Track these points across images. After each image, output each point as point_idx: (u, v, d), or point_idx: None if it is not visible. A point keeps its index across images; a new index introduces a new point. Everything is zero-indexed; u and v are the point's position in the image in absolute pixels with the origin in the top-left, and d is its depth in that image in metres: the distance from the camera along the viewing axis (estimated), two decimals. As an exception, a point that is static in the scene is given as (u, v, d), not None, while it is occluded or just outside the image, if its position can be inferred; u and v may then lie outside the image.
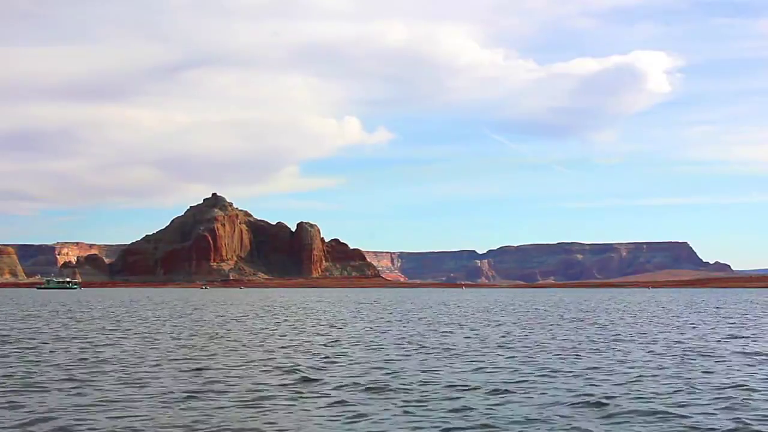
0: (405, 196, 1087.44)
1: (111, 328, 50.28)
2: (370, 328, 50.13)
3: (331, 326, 51.92)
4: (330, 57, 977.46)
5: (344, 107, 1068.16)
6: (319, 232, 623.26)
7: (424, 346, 35.10)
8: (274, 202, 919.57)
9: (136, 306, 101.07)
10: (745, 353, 32.06)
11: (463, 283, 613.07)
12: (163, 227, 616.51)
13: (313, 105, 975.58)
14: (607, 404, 19.10)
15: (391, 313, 74.75)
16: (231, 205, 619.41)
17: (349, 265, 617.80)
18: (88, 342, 38.08)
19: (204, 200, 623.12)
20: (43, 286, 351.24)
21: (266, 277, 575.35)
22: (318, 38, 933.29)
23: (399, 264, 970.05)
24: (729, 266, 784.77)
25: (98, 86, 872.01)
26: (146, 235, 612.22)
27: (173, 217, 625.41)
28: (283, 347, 34.91)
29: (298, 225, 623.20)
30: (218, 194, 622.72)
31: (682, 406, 19.18)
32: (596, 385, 22.40)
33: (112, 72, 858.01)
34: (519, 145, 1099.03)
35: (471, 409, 18.55)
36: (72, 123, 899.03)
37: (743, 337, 42.04)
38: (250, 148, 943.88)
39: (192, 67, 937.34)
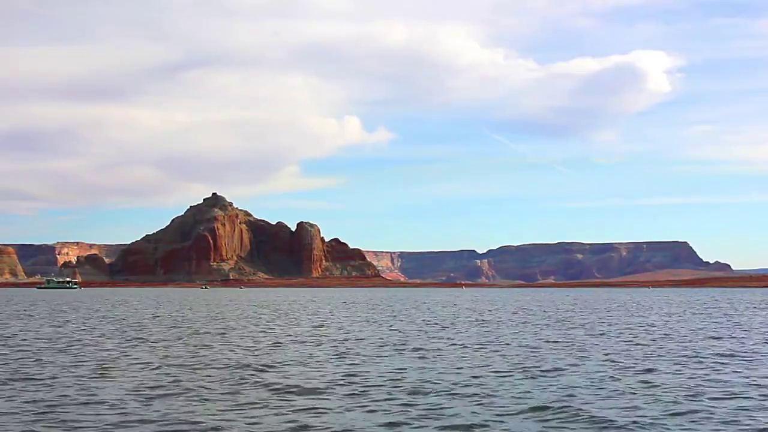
0: (405, 196, 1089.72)
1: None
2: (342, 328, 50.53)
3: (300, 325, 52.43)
4: (330, 57, 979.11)
5: (344, 107, 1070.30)
6: (319, 232, 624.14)
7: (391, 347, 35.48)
8: (274, 201, 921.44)
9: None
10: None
11: (463, 282, 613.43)
12: (163, 227, 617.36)
13: (313, 105, 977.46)
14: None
15: (379, 314, 75.08)
16: (231, 204, 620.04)
17: (349, 264, 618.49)
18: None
19: (204, 200, 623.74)
20: (43, 285, 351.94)
21: (266, 276, 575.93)
22: (318, 38, 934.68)
23: (399, 264, 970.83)
24: (729, 266, 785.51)
25: (98, 86, 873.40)
26: (146, 235, 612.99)
27: (173, 217, 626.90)
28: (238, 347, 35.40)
29: (298, 225, 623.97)
30: (218, 194, 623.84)
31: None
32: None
33: (113, 72, 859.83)
34: (519, 145, 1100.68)
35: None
36: (72, 123, 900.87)
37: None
38: (250, 148, 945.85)
39: (192, 67, 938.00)
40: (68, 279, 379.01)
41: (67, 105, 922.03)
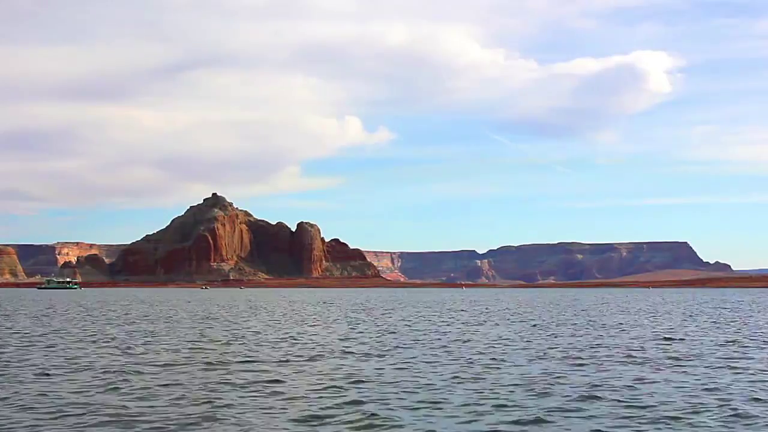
0: (405, 196, 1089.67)
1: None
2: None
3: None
4: (331, 57, 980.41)
5: (345, 107, 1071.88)
6: (319, 232, 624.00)
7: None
8: (274, 202, 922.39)
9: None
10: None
11: (463, 283, 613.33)
12: (163, 227, 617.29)
13: (313, 105, 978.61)
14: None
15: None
16: (231, 205, 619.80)
17: (349, 265, 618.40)
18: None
19: (204, 200, 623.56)
20: (43, 285, 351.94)
21: (266, 276, 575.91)
22: (319, 38, 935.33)
23: (399, 264, 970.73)
24: (729, 266, 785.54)
25: (99, 86, 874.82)
26: (146, 235, 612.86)
27: (173, 217, 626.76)
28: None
29: (299, 225, 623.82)
30: (218, 194, 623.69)
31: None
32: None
33: (113, 72, 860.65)
34: (519, 145, 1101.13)
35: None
36: (72, 123, 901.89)
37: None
38: (250, 148, 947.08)
39: (193, 67, 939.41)
40: (68, 279, 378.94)
41: (67, 105, 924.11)
